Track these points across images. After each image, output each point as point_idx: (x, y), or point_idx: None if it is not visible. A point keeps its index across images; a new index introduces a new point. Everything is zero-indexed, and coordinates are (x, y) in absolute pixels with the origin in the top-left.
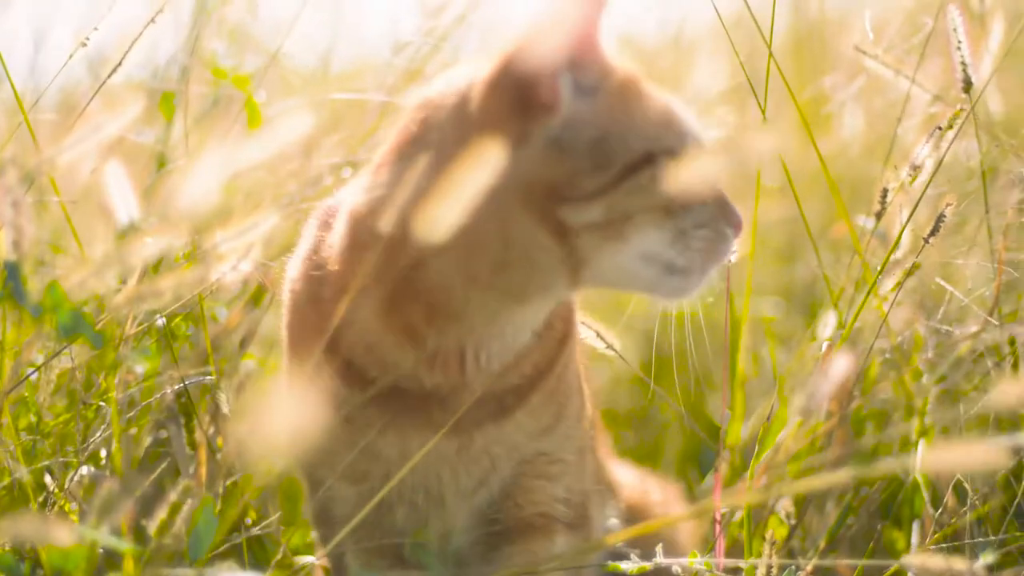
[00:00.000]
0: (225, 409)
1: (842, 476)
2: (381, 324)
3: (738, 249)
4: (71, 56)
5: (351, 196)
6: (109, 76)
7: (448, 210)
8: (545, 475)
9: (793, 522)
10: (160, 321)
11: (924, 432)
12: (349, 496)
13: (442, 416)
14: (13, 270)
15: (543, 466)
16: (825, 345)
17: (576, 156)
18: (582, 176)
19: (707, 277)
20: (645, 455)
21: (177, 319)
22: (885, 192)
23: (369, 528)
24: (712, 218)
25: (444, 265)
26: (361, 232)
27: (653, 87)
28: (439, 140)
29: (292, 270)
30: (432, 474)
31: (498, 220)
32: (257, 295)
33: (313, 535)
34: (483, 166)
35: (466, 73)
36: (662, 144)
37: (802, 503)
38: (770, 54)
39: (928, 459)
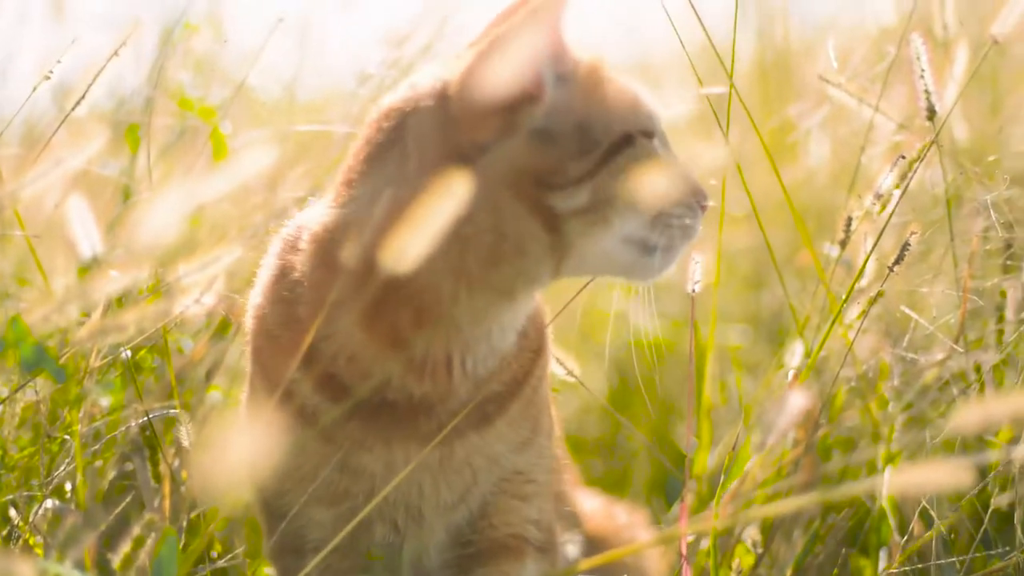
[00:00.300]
0: (186, 442)
1: (808, 501)
2: (364, 333)
3: (702, 276)
4: (35, 88)
5: (317, 216)
6: (73, 108)
7: (438, 212)
8: (520, 495)
9: (760, 550)
10: (125, 354)
11: (890, 458)
12: (326, 519)
13: (428, 426)
14: None
15: (519, 485)
16: (791, 374)
17: (561, 142)
18: (567, 162)
19: (678, 256)
20: (612, 483)
21: (142, 352)
22: (849, 221)
23: (344, 551)
24: (685, 197)
25: (434, 264)
26: (335, 247)
27: (612, 72)
28: (418, 144)
29: (256, 297)
30: (414, 488)
31: (490, 213)
32: (222, 327)
33: (270, 572)
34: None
35: (434, 74)
36: (637, 124)
37: (769, 531)
38: (731, 84)
39: (894, 481)
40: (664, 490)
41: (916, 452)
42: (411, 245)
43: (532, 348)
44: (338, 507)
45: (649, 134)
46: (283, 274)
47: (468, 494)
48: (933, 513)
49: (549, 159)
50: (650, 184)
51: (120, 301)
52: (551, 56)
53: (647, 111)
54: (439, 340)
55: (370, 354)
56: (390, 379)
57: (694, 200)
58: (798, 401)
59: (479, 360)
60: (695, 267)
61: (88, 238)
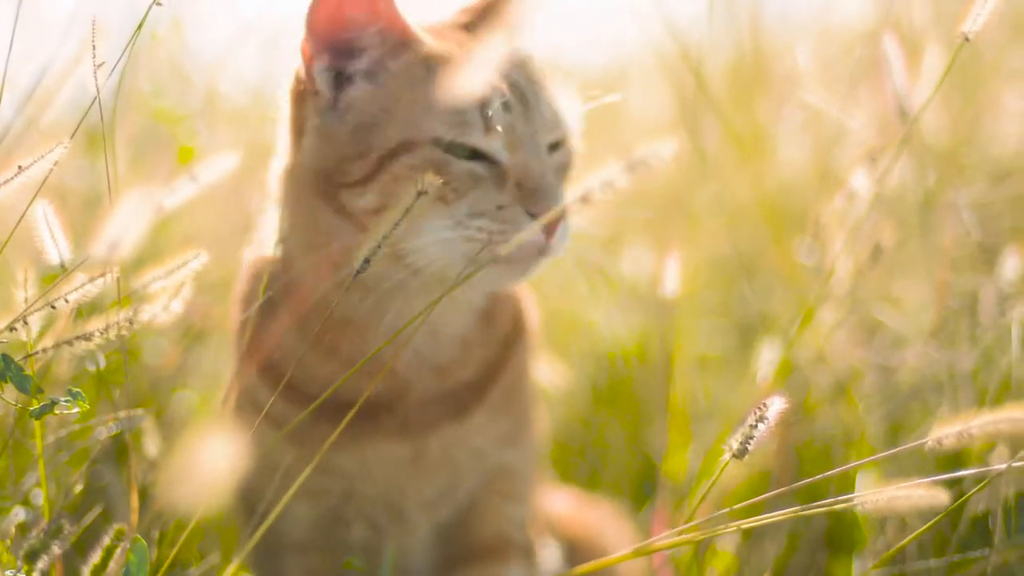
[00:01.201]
0: (154, 451)
1: (785, 515)
2: (302, 343)
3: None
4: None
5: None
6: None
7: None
8: (507, 493)
9: (737, 554)
10: (93, 365)
11: (866, 465)
12: (305, 517)
13: (391, 421)
14: None
15: (506, 482)
16: (762, 376)
17: (340, 143)
18: (348, 163)
19: (516, 266)
20: (589, 484)
21: (114, 362)
22: (823, 222)
23: (323, 551)
24: (497, 206)
25: (309, 269)
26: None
27: (475, 65)
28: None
29: (235, 306)
30: (393, 485)
31: (306, 214)
32: (194, 333)
33: None
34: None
35: None
36: (429, 132)
37: (748, 535)
38: (701, 87)
39: (871, 500)
40: (642, 489)
41: (892, 459)
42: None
43: (504, 333)
44: (316, 505)
45: (457, 142)
46: (251, 287)
47: (452, 490)
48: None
49: (332, 158)
50: (438, 191)
51: (86, 310)
52: (343, 50)
53: (468, 118)
54: (356, 338)
55: (311, 361)
56: (335, 381)
57: (518, 208)
58: (777, 406)
59: (424, 350)
60: (670, 271)
61: (55, 244)
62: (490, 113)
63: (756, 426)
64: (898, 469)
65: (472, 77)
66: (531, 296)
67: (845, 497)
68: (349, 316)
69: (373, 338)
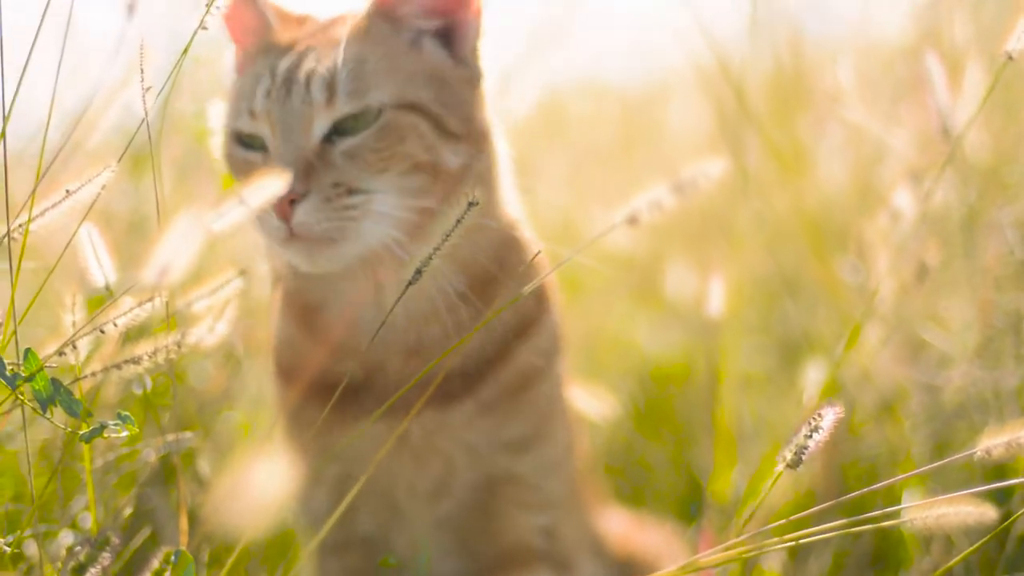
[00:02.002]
0: (201, 473)
1: (832, 530)
2: (293, 325)
3: (721, 298)
4: (48, 119)
5: None
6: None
7: None
8: (522, 503)
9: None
10: (139, 388)
11: (911, 481)
12: (319, 496)
13: (370, 401)
14: None
15: (519, 492)
16: (809, 395)
17: None
18: None
19: (296, 251)
20: (636, 503)
21: (160, 385)
22: (865, 240)
23: (336, 535)
24: None
25: None
26: None
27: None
28: None
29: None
30: (381, 470)
31: None
32: (238, 355)
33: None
34: None
35: None
36: (228, 121)
37: (795, 554)
38: (742, 104)
39: (917, 515)
40: (688, 510)
41: (938, 475)
42: None
43: (510, 327)
44: (329, 495)
45: (232, 132)
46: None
47: (446, 485)
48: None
49: None
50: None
51: (133, 332)
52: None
53: (240, 106)
54: (321, 321)
55: (300, 342)
56: (319, 360)
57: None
58: (830, 416)
59: (385, 331)
60: (715, 290)
61: (100, 267)
62: (256, 99)
63: (811, 436)
64: (944, 488)
65: (258, 65)
66: (556, 298)
67: (892, 510)
68: (309, 300)
69: (331, 319)
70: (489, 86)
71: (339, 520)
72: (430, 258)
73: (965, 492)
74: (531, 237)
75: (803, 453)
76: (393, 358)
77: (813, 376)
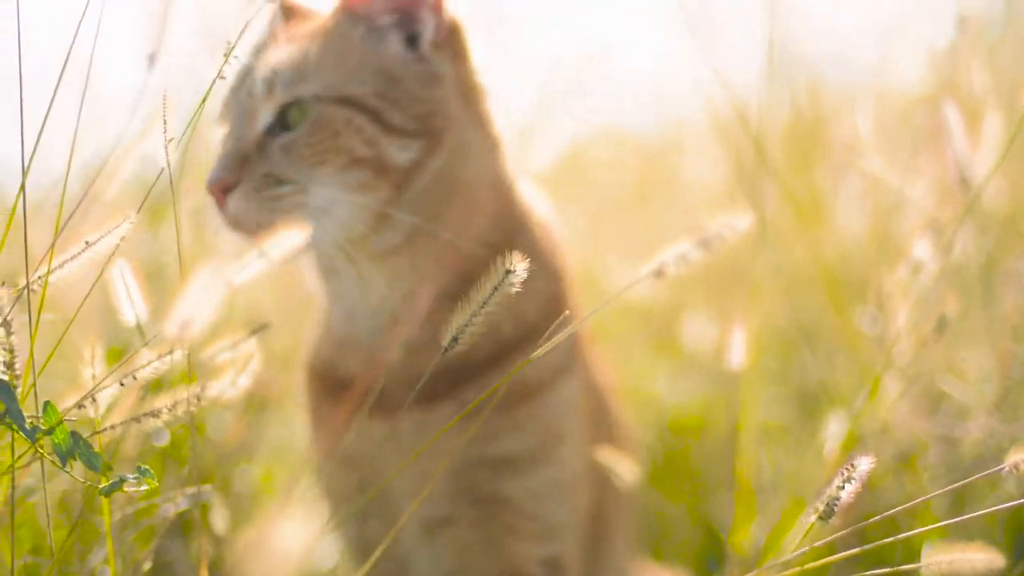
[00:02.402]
0: (220, 526)
1: None
2: (315, 327)
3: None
4: (68, 172)
5: None
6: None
7: None
8: (515, 530)
9: None
10: (160, 440)
11: (931, 534)
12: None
13: (372, 398)
14: (6, 391)
15: (509, 516)
16: (830, 447)
17: None
18: None
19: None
20: (654, 554)
21: (180, 436)
22: (884, 291)
23: (351, 538)
24: None
25: None
26: None
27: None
28: None
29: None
30: (374, 469)
31: None
32: (257, 406)
33: None
34: None
35: None
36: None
37: None
38: (759, 153)
39: (935, 562)
40: (706, 563)
41: (958, 530)
42: None
43: (503, 334)
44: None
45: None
46: None
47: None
48: None
49: None
50: None
51: (154, 386)
52: None
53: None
54: (324, 316)
55: (318, 343)
56: (335, 362)
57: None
58: (864, 466)
59: (375, 328)
60: (736, 342)
61: (133, 306)
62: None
63: (843, 487)
64: (965, 540)
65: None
66: (575, 310)
67: (911, 567)
68: (320, 298)
69: (332, 315)
70: (479, 80)
71: (351, 524)
72: (467, 325)
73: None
74: (547, 231)
75: (835, 504)
76: (389, 355)
77: (833, 428)
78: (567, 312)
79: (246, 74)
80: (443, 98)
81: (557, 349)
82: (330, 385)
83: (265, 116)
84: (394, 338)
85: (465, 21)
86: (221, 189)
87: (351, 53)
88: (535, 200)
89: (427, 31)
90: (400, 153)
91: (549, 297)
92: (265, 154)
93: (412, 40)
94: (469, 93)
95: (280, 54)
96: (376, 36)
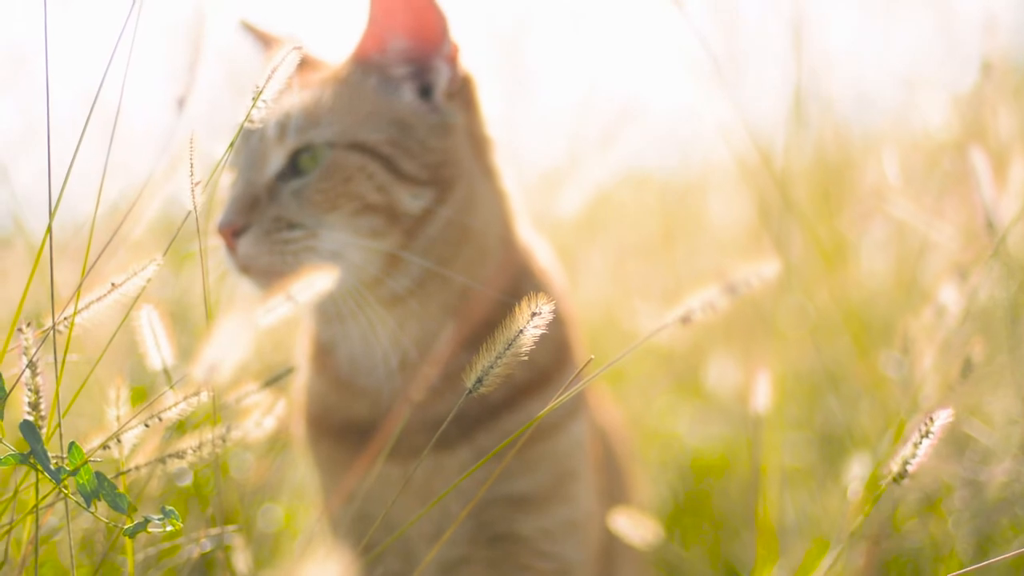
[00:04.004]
0: (243, 567)
1: None
2: (312, 367)
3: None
4: (95, 215)
5: None
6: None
7: None
8: (531, 569)
9: None
10: (184, 480)
11: None
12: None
13: (384, 442)
14: (31, 431)
15: (528, 556)
16: (854, 490)
17: None
18: None
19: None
20: None
21: (203, 478)
22: (910, 335)
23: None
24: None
25: None
26: None
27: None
28: None
29: None
30: (392, 511)
31: None
32: (280, 445)
33: None
34: None
35: None
36: None
37: None
38: (784, 196)
39: None
40: None
41: (983, 572)
42: None
43: (517, 379)
44: (355, 534)
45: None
46: None
47: (444, 531)
48: None
49: None
50: None
51: (179, 425)
52: None
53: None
54: (332, 361)
55: (318, 385)
56: (339, 406)
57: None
58: (943, 419)
59: (385, 373)
60: (760, 386)
61: (159, 351)
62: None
63: (920, 443)
64: None
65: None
66: (580, 352)
67: None
68: (321, 341)
69: (339, 360)
70: (489, 132)
71: (364, 561)
72: (492, 366)
73: None
74: (550, 278)
75: (911, 463)
76: (399, 400)
77: (857, 471)
78: (578, 357)
79: (245, 136)
80: (455, 148)
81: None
82: (331, 428)
83: (276, 160)
84: (419, 381)
85: (478, 74)
86: (232, 232)
87: (365, 101)
88: (538, 248)
89: (441, 81)
90: (412, 201)
91: (557, 341)
92: (276, 198)
93: (425, 91)
94: (479, 144)
95: (293, 100)
96: (390, 86)
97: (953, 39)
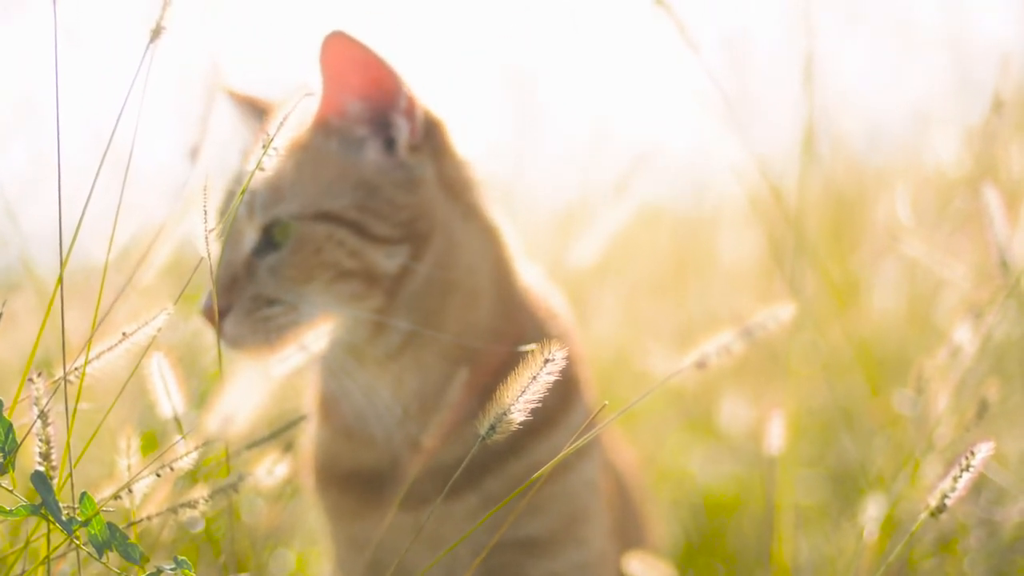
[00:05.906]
0: None
1: None
2: (318, 417)
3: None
4: (108, 258)
5: None
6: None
7: None
8: None
9: None
10: (195, 527)
11: None
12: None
13: (393, 491)
14: (42, 482)
15: None
16: (869, 531)
17: None
18: None
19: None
20: None
21: (215, 523)
22: (924, 374)
23: None
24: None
25: None
26: None
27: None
28: None
29: None
30: (407, 561)
31: None
32: (291, 489)
33: None
34: None
35: None
36: None
37: None
38: (796, 233)
39: None
40: None
41: None
42: None
43: (525, 423)
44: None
45: None
46: None
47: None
48: None
49: None
50: None
51: (191, 475)
52: None
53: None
54: (338, 413)
55: (323, 435)
56: (344, 456)
57: None
58: (983, 452)
59: (393, 424)
60: (774, 426)
61: (170, 400)
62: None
63: (960, 476)
64: None
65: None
66: (589, 392)
67: None
68: (326, 392)
69: (343, 410)
70: (468, 174)
71: None
72: (505, 413)
73: None
74: (554, 315)
75: (949, 496)
76: (406, 449)
77: (871, 510)
78: (587, 396)
79: (231, 194)
80: (425, 201)
81: (574, 433)
82: (338, 477)
83: (251, 237)
84: (433, 430)
85: (446, 117)
86: (211, 318)
87: (327, 167)
88: (540, 285)
89: (402, 136)
90: (387, 261)
91: (564, 382)
92: (253, 275)
93: (391, 144)
94: (456, 188)
95: (257, 175)
96: (353, 146)
97: (965, 74)
